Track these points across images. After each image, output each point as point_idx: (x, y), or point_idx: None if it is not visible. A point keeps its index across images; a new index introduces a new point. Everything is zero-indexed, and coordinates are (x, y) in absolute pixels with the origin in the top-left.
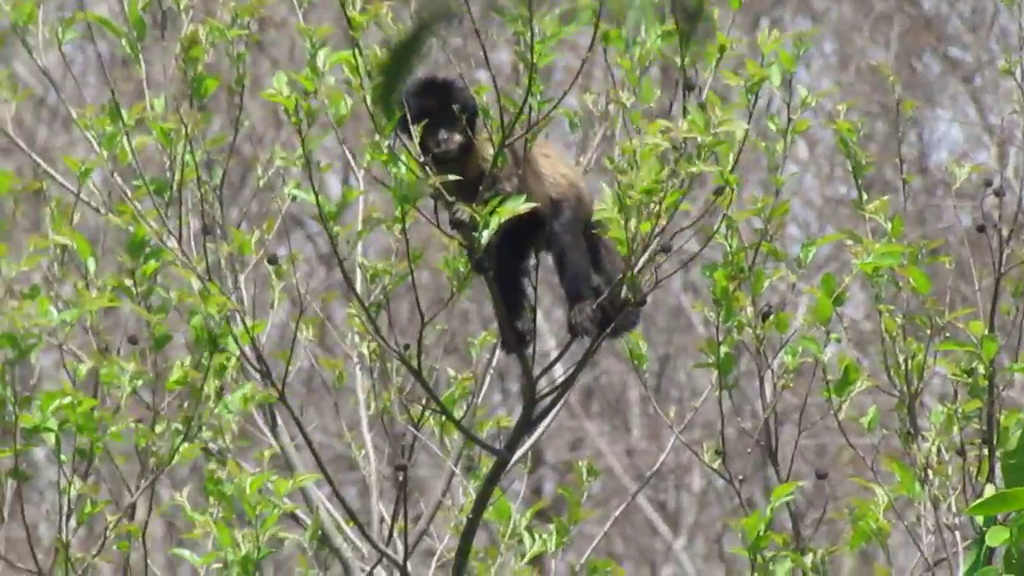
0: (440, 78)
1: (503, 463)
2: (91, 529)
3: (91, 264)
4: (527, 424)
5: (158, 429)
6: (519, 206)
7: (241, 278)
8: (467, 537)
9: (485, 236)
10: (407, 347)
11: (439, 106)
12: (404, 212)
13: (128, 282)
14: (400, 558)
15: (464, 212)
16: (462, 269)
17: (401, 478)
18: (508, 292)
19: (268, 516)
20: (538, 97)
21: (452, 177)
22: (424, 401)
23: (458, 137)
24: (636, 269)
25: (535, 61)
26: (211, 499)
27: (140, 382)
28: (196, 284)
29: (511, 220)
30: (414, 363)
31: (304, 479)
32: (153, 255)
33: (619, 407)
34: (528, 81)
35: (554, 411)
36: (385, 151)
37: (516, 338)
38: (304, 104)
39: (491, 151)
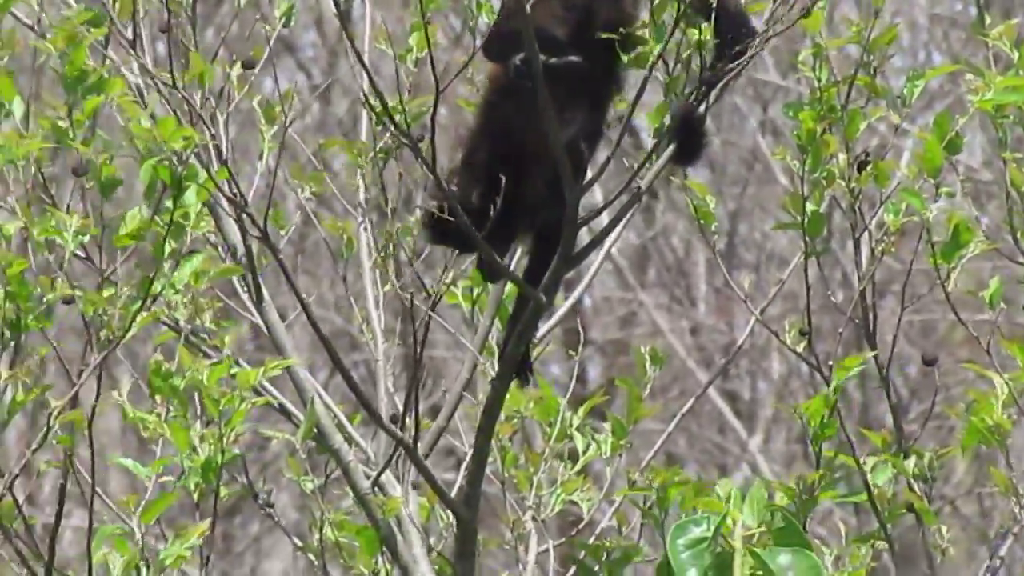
0: None
1: (538, 310)
2: (34, 422)
3: (17, 107)
4: (568, 260)
5: (106, 294)
6: None
7: (220, 118)
8: (489, 416)
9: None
10: (421, 138)
11: None
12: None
13: (63, 124)
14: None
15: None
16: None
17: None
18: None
19: (234, 412)
20: None
21: None
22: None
23: None
24: None
25: None
26: (158, 398)
27: (86, 237)
28: (148, 122)
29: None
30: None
31: (280, 365)
32: (96, 87)
33: (681, 275)
34: None
35: (620, 227)
36: None
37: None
38: None
39: None
